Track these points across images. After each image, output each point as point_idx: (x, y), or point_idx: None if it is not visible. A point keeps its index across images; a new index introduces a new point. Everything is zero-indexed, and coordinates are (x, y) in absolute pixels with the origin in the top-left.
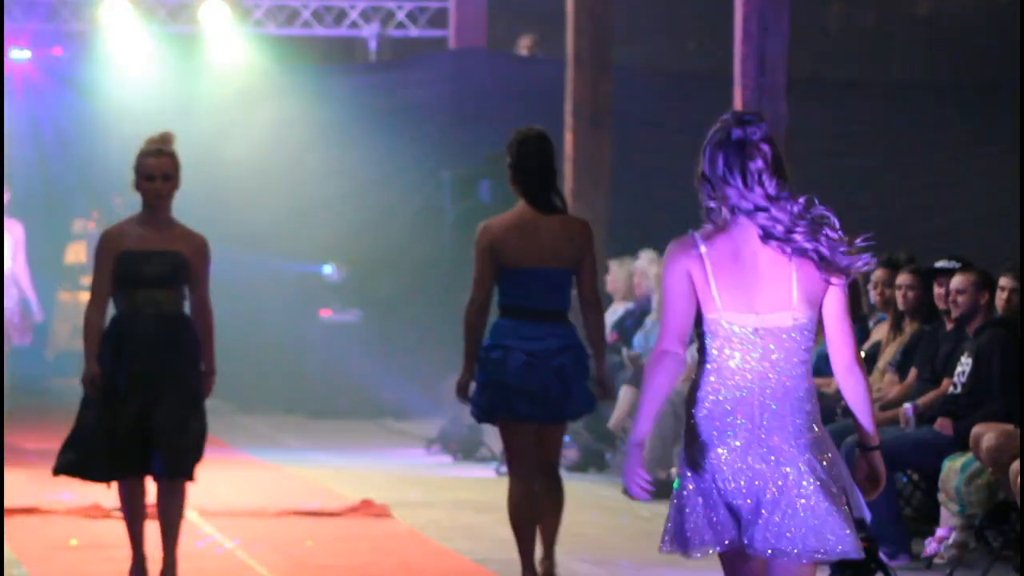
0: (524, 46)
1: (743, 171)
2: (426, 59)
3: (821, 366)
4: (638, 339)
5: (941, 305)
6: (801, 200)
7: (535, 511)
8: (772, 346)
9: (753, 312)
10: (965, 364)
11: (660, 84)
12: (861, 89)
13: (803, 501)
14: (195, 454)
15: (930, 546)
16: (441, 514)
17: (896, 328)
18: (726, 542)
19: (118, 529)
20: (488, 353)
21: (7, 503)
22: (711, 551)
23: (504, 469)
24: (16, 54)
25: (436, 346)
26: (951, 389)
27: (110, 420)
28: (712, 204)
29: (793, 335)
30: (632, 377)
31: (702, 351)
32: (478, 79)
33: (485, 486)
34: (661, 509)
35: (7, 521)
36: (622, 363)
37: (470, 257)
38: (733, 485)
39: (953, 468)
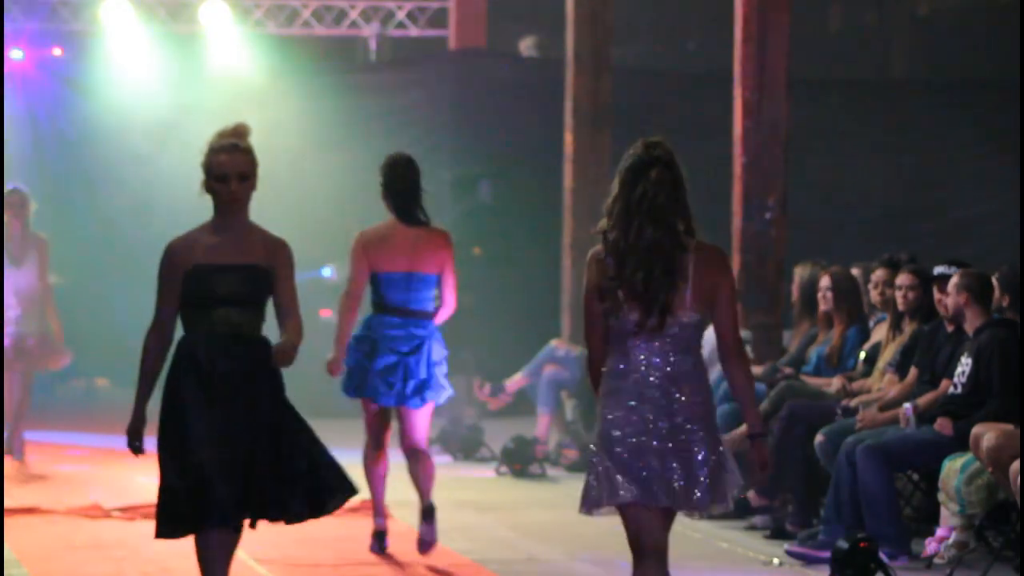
0: (528, 46)
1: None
2: (426, 59)
3: (821, 366)
4: None
5: (942, 311)
6: None
7: (381, 466)
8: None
9: None
10: (965, 364)
11: (660, 84)
12: (861, 89)
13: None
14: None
15: (930, 546)
16: (441, 514)
17: (896, 328)
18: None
19: (118, 529)
20: (359, 343)
21: (7, 503)
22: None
23: (504, 469)
24: (15, 54)
25: None
26: (951, 389)
27: (194, 471)
28: None
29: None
30: None
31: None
32: (478, 79)
33: (485, 486)
34: None
35: (7, 521)
36: None
37: (469, 257)
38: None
39: (953, 468)
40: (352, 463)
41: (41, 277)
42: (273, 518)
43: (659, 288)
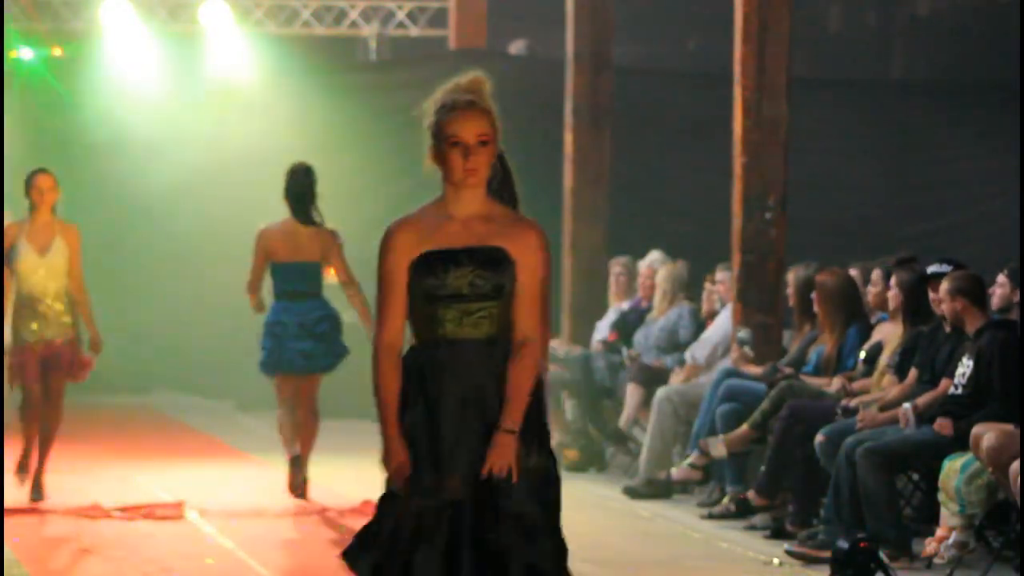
0: (519, 48)
1: None
2: (426, 59)
3: (821, 366)
4: (638, 337)
5: (938, 310)
6: None
7: (294, 430)
8: None
9: None
10: (966, 365)
11: (660, 84)
12: (861, 89)
13: None
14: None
15: (930, 546)
16: None
17: (896, 328)
18: None
19: (118, 529)
20: (271, 327)
21: (7, 503)
22: None
23: None
24: (16, 54)
25: None
26: (952, 389)
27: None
28: None
29: None
30: (634, 375)
31: None
32: None
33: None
34: (661, 509)
35: (7, 521)
36: (622, 362)
37: None
38: None
39: (953, 468)
40: (352, 463)
41: (72, 271)
42: None
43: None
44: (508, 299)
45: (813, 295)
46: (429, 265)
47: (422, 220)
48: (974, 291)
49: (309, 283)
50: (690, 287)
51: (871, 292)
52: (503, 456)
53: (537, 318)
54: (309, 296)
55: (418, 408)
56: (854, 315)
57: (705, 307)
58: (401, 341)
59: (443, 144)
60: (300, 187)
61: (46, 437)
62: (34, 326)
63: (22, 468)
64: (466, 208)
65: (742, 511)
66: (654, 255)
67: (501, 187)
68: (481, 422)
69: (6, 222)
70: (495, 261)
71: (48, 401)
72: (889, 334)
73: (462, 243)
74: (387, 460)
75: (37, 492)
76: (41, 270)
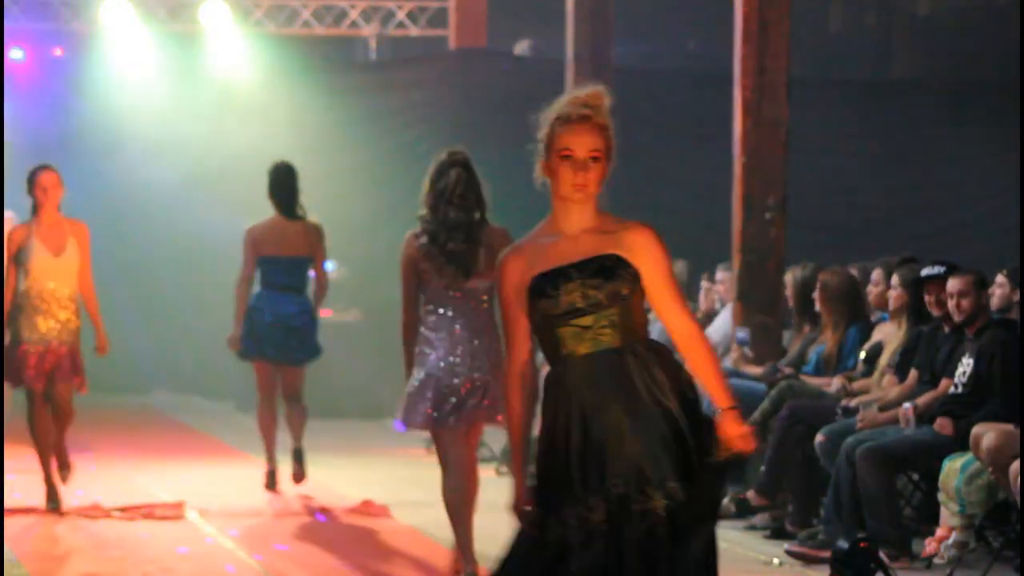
0: (523, 49)
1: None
2: (426, 59)
3: (821, 366)
4: None
5: (935, 311)
6: None
7: (275, 421)
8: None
9: None
10: (966, 365)
11: (660, 84)
12: (861, 89)
13: None
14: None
15: (930, 546)
16: (441, 514)
17: (896, 328)
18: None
19: (118, 529)
20: (251, 314)
21: (7, 503)
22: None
23: (504, 469)
24: (15, 54)
25: None
26: (952, 389)
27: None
28: None
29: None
30: None
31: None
32: (478, 79)
33: (485, 486)
34: None
35: (7, 521)
36: None
37: None
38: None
39: (953, 468)
40: (352, 463)
41: (83, 271)
42: None
43: (461, 249)
44: (629, 304)
45: (815, 294)
46: (541, 287)
47: (530, 244)
48: (984, 288)
49: (294, 278)
50: (688, 287)
51: (871, 292)
52: (736, 430)
53: (685, 308)
54: (292, 290)
55: (551, 432)
56: (856, 315)
57: (703, 307)
58: (528, 370)
59: (554, 157)
60: (285, 184)
61: (58, 443)
62: (43, 328)
63: (53, 484)
64: (575, 224)
65: (742, 511)
66: None
67: (465, 193)
68: (604, 435)
69: (12, 224)
70: (606, 269)
71: (57, 410)
72: (889, 334)
73: (571, 259)
74: (512, 498)
75: (54, 501)
76: (56, 272)
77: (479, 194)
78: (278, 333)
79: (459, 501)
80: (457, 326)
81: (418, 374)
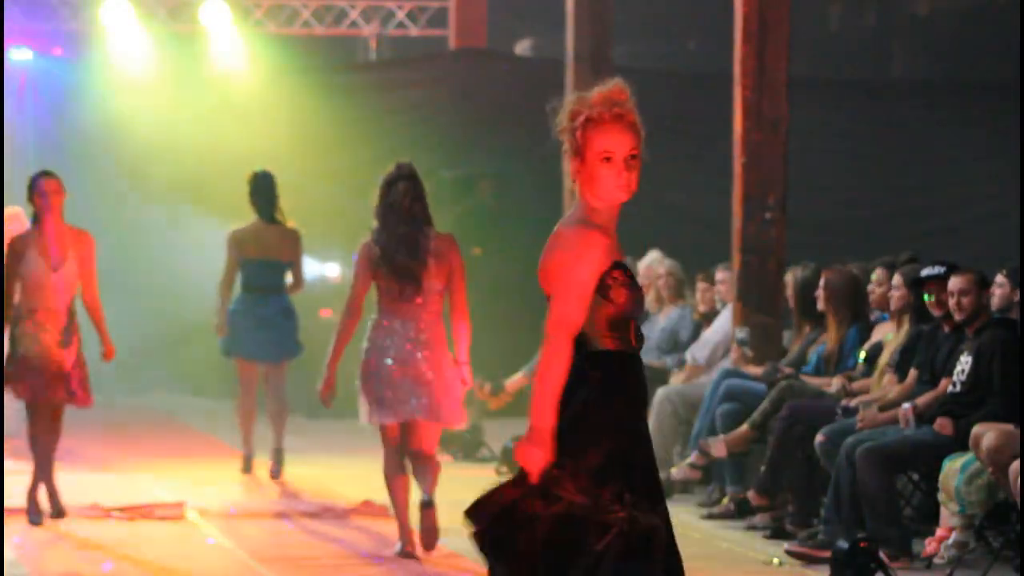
0: (524, 49)
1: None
2: (426, 59)
3: (821, 366)
4: None
5: (935, 311)
6: None
7: (254, 412)
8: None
9: None
10: (965, 363)
11: (660, 84)
12: (861, 89)
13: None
14: None
15: (930, 546)
16: (441, 514)
17: (896, 328)
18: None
19: (118, 529)
20: (233, 316)
21: (7, 503)
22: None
23: (504, 469)
24: (16, 54)
25: None
26: (951, 388)
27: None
28: None
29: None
30: None
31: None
32: (478, 79)
33: (485, 486)
34: None
35: (7, 521)
36: None
37: (469, 257)
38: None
39: (953, 468)
40: (352, 463)
41: (87, 282)
42: None
43: (410, 263)
44: None
45: (819, 292)
46: (631, 276)
47: (607, 232)
48: (985, 287)
49: (274, 280)
50: (686, 287)
51: (871, 292)
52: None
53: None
54: (272, 292)
55: (637, 423)
56: (858, 314)
57: (701, 307)
58: None
59: (592, 160)
60: (266, 190)
61: (48, 456)
62: (41, 340)
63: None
64: (613, 225)
65: (742, 511)
66: (653, 255)
67: (412, 206)
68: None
69: (22, 221)
70: None
71: (51, 422)
72: (889, 334)
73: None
74: (533, 455)
75: (57, 509)
76: (53, 284)
77: (425, 205)
78: (260, 334)
79: (400, 480)
80: (409, 334)
81: (370, 376)
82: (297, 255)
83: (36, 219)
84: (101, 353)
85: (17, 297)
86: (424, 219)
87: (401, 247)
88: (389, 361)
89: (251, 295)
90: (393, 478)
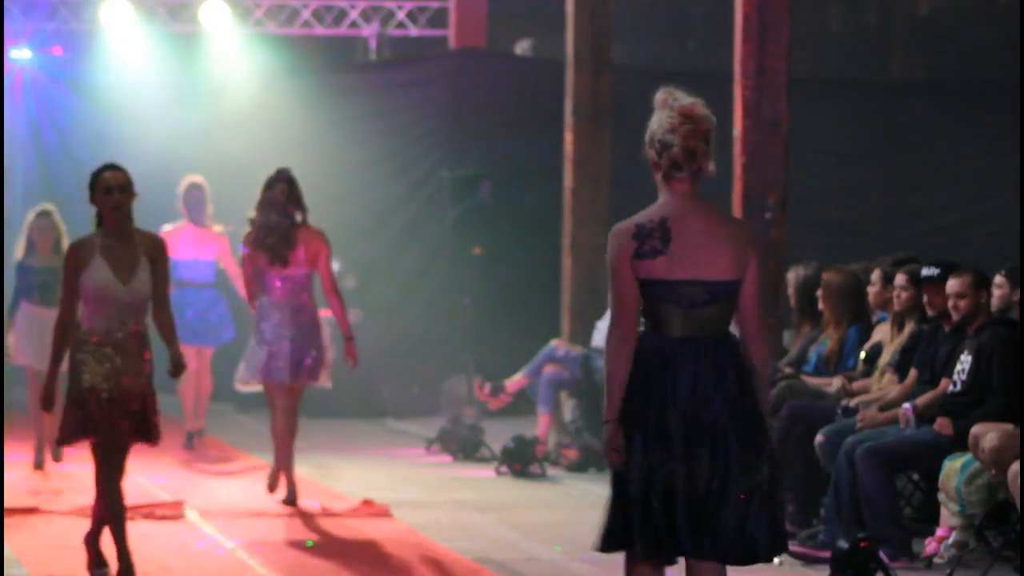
0: (524, 48)
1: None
2: (426, 59)
3: (821, 366)
4: None
5: (932, 312)
6: None
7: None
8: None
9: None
10: (964, 362)
11: (660, 84)
12: (861, 89)
13: None
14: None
15: (930, 546)
16: (441, 514)
17: (896, 328)
18: None
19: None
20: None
21: (7, 503)
22: None
23: (504, 469)
24: (16, 54)
25: (436, 346)
26: (950, 388)
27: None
28: None
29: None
30: None
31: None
32: (478, 79)
33: (485, 486)
34: None
35: (7, 521)
36: None
37: (469, 257)
38: None
39: (953, 468)
40: (352, 463)
41: (158, 299)
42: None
43: (282, 248)
44: None
45: (819, 292)
46: None
47: None
48: (985, 287)
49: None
50: None
51: (871, 292)
52: None
53: None
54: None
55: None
56: (858, 314)
57: None
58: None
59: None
60: (191, 197)
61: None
62: (106, 366)
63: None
64: None
65: None
66: None
67: (286, 203)
68: None
69: (70, 242)
70: None
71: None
72: (889, 334)
73: None
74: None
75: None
76: (123, 299)
77: (300, 202)
78: (199, 323)
79: (282, 433)
80: (284, 305)
81: (257, 343)
82: (225, 253)
83: (99, 221)
84: (168, 370)
85: (80, 316)
86: (300, 213)
87: (271, 231)
88: (276, 330)
89: (185, 290)
90: (278, 433)
